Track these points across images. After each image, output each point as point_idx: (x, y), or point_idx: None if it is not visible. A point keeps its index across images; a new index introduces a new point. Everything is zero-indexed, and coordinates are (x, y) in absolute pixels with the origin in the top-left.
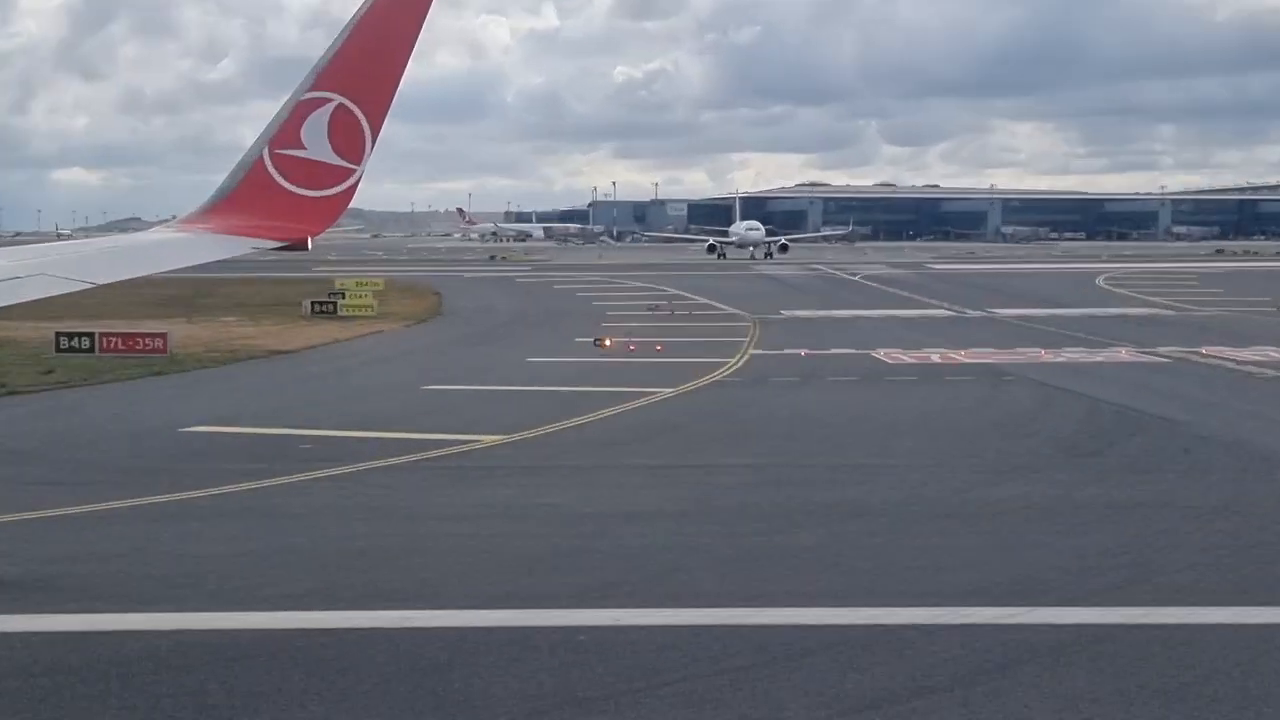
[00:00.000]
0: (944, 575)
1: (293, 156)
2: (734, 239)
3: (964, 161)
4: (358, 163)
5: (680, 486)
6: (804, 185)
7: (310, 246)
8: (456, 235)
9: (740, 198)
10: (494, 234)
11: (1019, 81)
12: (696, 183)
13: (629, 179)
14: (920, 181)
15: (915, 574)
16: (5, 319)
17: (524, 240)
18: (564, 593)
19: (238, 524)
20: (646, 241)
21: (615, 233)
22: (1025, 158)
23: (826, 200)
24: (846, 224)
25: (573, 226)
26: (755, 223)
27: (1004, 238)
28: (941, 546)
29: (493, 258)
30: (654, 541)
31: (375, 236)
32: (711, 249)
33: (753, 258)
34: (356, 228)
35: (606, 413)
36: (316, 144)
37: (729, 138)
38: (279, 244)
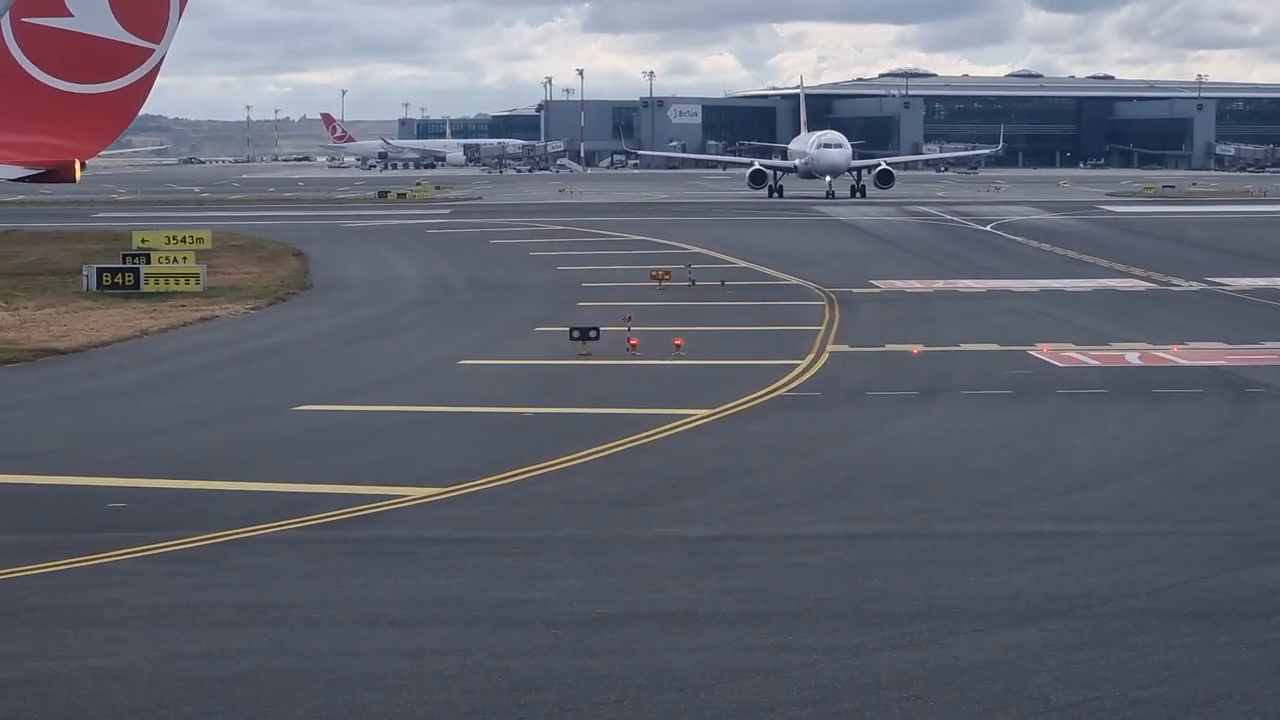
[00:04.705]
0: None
1: (51, 29)
2: (796, 163)
3: (1156, 40)
4: (157, 40)
5: (741, 572)
6: (894, 75)
7: (80, 176)
8: (323, 159)
9: (805, 94)
10: (383, 156)
11: None
12: (718, 71)
13: (607, 65)
14: (1084, 71)
15: (1148, 717)
16: None
17: (434, 166)
18: None
19: (2, 639)
20: (638, 165)
21: (583, 153)
22: (1258, 33)
23: (932, 99)
24: (966, 140)
25: (513, 143)
26: (836, 135)
27: (1220, 161)
28: (1186, 668)
29: (384, 194)
30: (713, 661)
31: (188, 162)
32: (758, 179)
33: (830, 195)
34: (156, 147)
35: (605, 449)
36: (90, 8)
37: None
38: (29, 171)
